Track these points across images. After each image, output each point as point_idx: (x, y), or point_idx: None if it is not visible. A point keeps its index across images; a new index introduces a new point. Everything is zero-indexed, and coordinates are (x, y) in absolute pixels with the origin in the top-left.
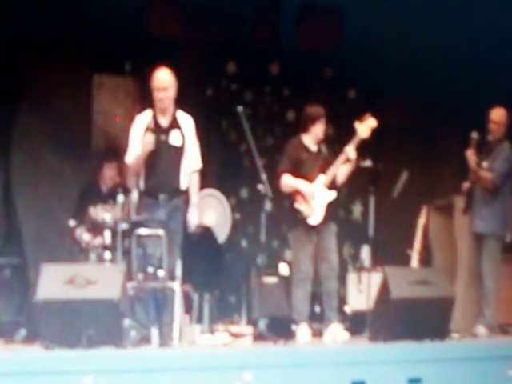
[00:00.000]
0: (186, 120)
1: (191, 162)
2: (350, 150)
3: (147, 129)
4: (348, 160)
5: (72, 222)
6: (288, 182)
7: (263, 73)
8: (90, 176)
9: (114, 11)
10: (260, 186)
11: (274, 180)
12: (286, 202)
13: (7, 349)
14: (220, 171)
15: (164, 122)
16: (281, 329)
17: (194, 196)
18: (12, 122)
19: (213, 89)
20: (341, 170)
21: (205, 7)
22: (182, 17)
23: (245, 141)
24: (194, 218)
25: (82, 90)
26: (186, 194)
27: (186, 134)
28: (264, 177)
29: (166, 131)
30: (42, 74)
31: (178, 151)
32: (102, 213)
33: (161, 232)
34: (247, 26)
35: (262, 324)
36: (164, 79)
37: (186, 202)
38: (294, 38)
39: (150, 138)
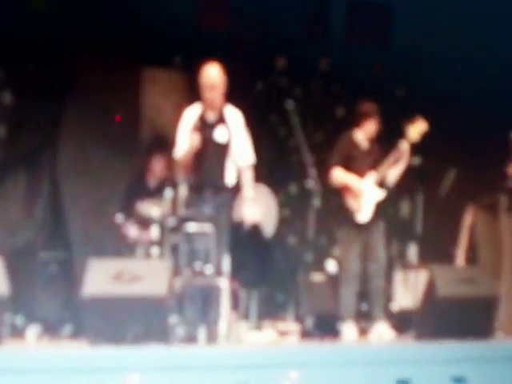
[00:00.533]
0: (233, 115)
1: (241, 157)
2: (403, 146)
3: (194, 124)
4: (399, 159)
5: (119, 217)
6: (339, 176)
7: (313, 68)
8: (138, 170)
9: (165, 4)
10: (309, 182)
11: (322, 176)
12: (335, 198)
13: (53, 345)
14: (269, 167)
15: (211, 117)
16: (327, 326)
17: (249, 191)
18: (61, 116)
19: (262, 83)
20: (392, 170)
21: (255, 1)
22: (232, 10)
23: (294, 136)
24: (249, 213)
25: (132, 83)
26: (232, 189)
27: (233, 129)
28: (313, 173)
29: (212, 127)
30: (91, 68)
31: (223, 147)
32: (149, 208)
33: (208, 228)
34: (297, 21)
35: (309, 321)
36: (213, 77)
37: (233, 198)
38: (344, 32)
39: (197, 134)
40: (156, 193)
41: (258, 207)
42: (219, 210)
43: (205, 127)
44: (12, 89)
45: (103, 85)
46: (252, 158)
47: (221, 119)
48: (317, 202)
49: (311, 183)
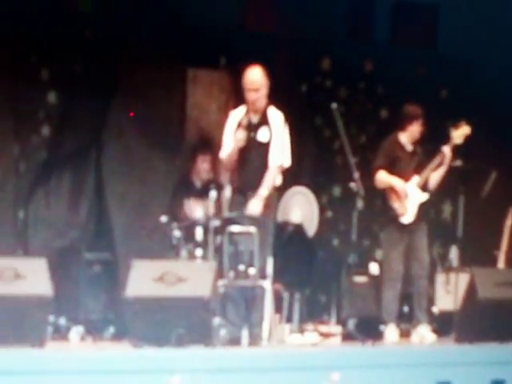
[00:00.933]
0: (275, 116)
1: (276, 157)
2: (447, 151)
3: (239, 125)
4: (442, 163)
5: (164, 218)
6: (383, 178)
7: (357, 69)
8: (182, 171)
9: (210, 5)
10: (352, 184)
11: (366, 178)
12: (378, 200)
13: (96, 346)
14: (313, 168)
15: (255, 118)
16: (369, 329)
17: (264, 189)
18: (106, 116)
19: (307, 85)
20: (434, 174)
21: (300, 2)
22: (277, 12)
23: (338, 138)
24: (253, 208)
25: (177, 83)
26: (275, 190)
27: (274, 129)
28: (356, 175)
29: (256, 128)
30: (136, 68)
31: (265, 147)
32: (194, 209)
33: (253, 229)
34: (341, 22)
35: (351, 324)
36: (255, 80)
37: (277, 200)
38: (388, 34)
39: (241, 135)
40: (201, 194)
41: (297, 209)
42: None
43: (249, 128)
44: (57, 89)
45: (148, 85)
46: (286, 160)
47: (264, 120)
48: (360, 203)
49: (355, 185)
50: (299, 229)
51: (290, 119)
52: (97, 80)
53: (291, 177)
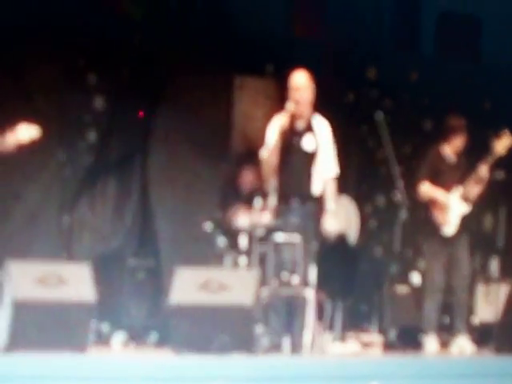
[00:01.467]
0: (322, 125)
1: (326, 169)
2: (484, 170)
3: (282, 129)
4: (480, 179)
5: (208, 225)
6: (426, 190)
7: (403, 80)
8: (228, 178)
9: (258, 12)
10: (396, 195)
11: (409, 188)
12: (421, 211)
13: (138, 352)
14: (357, 178)
15: (299, 125)
16: (410, 338)
17: (331, 203)
18: (152, 123)
19: (353, 94)
20: (474, 188)
21: (347, 12)
22: (324, 20)
23: (382, 148)
24: (330, 226)
25: (223, 91)
26: (318, 200)
27: (321, 139)
28: (400, 185)
29: (300, 134)
30: (183, 75)
31: (310, 156)
32: (238, 217)
33: (297, 238)
34: (389, 33)
35: (392, 333)
36: (301, 81)
37: (319, 209)
38: (433, 45)
39: (284, 139)
40: (246, 202)
41: (338, 219)
42: (305, 219)
43: (293, 134)
44: (104, 94)
45: (195, 92)
46: (336, 170)
47: (309, 128)
48: (403, 214)
49: (398, 195)
50: (343, 238)
51: (336, 128)
52: (144, 86)
53: (337, 186)
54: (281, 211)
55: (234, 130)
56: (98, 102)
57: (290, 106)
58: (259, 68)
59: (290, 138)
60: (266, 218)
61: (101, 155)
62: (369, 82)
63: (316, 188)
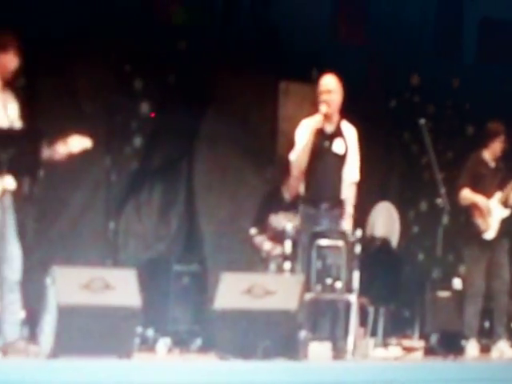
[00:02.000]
0: (349, 130)
1: (351, 173)
2: None
3: (312, 132)
4: None
5: (253, 230)
6: (467, 196)
7: (445, 86)
8: (273, 184)
9: (303, 18)
10: (438, 200)
11: (452, 194)
12: (462, 216)
13: (182, 358)
14: (400, 184)
15: (329, 128)
16: (451, 343)
17: (351, 206)
18: (198, 128)
19: (396, 100)
20: None
21: (391, 19)
22: (368, 26)
23: (425, 154)
24: (346, 227)
25: (269, 96)
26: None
27: (349, 143)
28: (443, 191)
29: (330, 138)
30: (229, 80)
31: (340, 159)
32: (283, 221)
33: (340, 243)
34: (431, 40)
35: (434, 338)
36: (330, 82)
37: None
38: (475, 51)
39: (314, 142)
40: (291, 207)
41: (380, 225)
42: (334, 224)
43: (322, 137)
44: (150, 99)
45: (241, 97)
46: (358, 175)
47: (338, 132)
48: (445, 219)
49: (440, 201)
50: (386, 243)
51: (379, 134)
52: (189, 92)
53: (379, 191)
54: (307, 215)
55: (279, 135)
56: (144, 108)
57: (323, 108)
58: (304, 73)
59: (321, 141)
60: (285, 222)
61: (147, 161)
62: (412, 89)
63: (344, 192)
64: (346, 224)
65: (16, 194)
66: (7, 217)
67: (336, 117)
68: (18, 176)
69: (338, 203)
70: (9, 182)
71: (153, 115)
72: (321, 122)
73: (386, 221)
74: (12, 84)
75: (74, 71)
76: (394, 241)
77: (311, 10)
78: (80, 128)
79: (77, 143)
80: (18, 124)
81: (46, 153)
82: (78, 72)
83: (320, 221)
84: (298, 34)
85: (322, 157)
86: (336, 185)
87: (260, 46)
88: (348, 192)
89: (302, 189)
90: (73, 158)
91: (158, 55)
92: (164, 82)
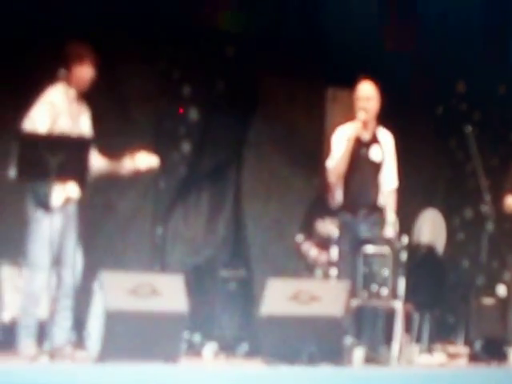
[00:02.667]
0: (386, 137)
1: (389, 180)
2: None
3: (348, 139)
4: None
5: (299, 237)
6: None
7: (491, 93)
8: (320, 190)
9: (350, 25)
10: (483, 207)
11: (497, 201)
12: (507, 223)
13: (229, 363)
14: (445, 190)
15: (365, 136)
16: (495, 350)
17: (391, 214)
18: (246, 134)
19: (442, 107)
20: None
21: (437, 26)
22: (417, 32)
23: (471, 161)
24: (388, 234)
25: (316, 103)
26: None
27: (386, 150)
28: (488, 197)
29: (367, 145)
30: (276, 86)
31: (377, 167)
32: (329, 228)
33: (386, 250)
34: (477, 46)
35: (478, 345)
36: (367, 89)
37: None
38: None
39: (350, 149)
40: (336, 213)
41: (426, 231)
42: (372, 231)
43: (359, 144)
44: (198, 105)
45: (288, 103)
46: (396, 182)
47: (375, 139)
48: (490, 226)
49: (485, 208)
50: (431, 250)
51: (426, 140)
52: (237, 98)
53: (425, 198)
54: (345, 222)
55: (326, 142)
56: (193, 114)
57: (361, 115)
58: (352, 80)
59: (358, 149)
60: (331, 229)
61: (194, 167)
62: (458, 96)
63: (381, 199)
64: (387, 231)
65: (79, 202)
66: (70, 224)
67: (373, 124)
68: (67, 182)
69: (376, 210)
70: (72, 190)
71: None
72: (359, 129)
73: (432, 228)
74: (86, 95)
75: (121, 77)
76: (440, 248)
77: (360, 17)
78: (129, 134)
79: (144, 160)
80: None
81: (111, 166)
82: (127, 78)
83: (358, 228)
84: (346, 41)
85: (359, 164)
86: (373, 192)
87: (308, 52)
88: (387, 199)
89: (339, 196)
90: (138, 175)
91: (207, 61)
92: (212, 89)
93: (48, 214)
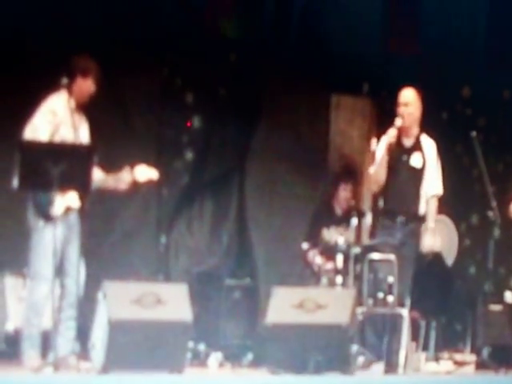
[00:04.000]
0: (428, 143)
1: (431, 187)
2: None
3: (390, 146)
4: None
5: (305, 245)
6: None
7: (496, 98)
8: (324, 198)
9: (353, 31)
10: (490, 213)
11: (503, 207)
12: None
13: (234, 373)
14: (451, 196)
15: (407, 142)
16: (503, 357)
17: (431, 221)
18: (250, 142)
19: (447, 113)
20: None
21: (441, 31)
22: (419, 38)
23: (477, 166)
24: (429, 244)
25: (320, 110)
26: (422, 219)
27: (428, 157)
28: (494, 203)
29: (409, 152)
30: (279, 94)
31: (418, 173)
32: (335, 236)
33: (393, 257)
34: (481, 51)
35: (485, 352)
36: (408, 95)
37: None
38: None
39: (392, 156)
40: (342, 221)
41: (437, 238)
42: (408, 238)
43: (400, 151)
44: (201, 113)
45: (292, 111)
46: (440, 189)
47: (417, 146)
48: (497, 232)
49: (492, 213)
50: (438, 257)
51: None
52: (241, 105)
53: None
54: (383, 228)
55: (331, 148)
56: (196, 122)
57: (398, 121)
58: (356, 87)
59: (399, 155)
60: (361, 237)
61: (198, 175)
62: (463, 101)
63: (422, 207)
64: (428, 239)
65: (79, 211)
66: (72, 233)
67: (415, 130)
68: (69, 191)
69: (415, 217)
70: (72, 199)
71: (189, 125)
72: (395, 135)
73: (445, 237)
74: (85, 107)
75: (123, 85)
76: (452, 257)
77: (362, 24)
78: (132, 142)
79: (143, 173)
80: None
81: (109, 180)
82: (129, 86)
83: (395, 234)
84: (349, 48)
85: (400, 170)
86: (413, 199)
87: (311, 59)
88: (428, 206)
89: (381, 201)
90: (137, 188)
91: (209, 68)
92: (215, 96)
93: (49, 223)
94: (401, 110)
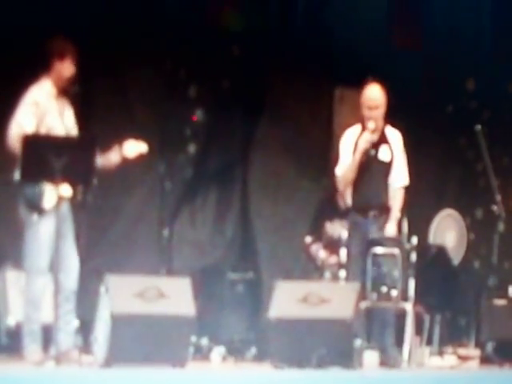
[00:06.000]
0: (394, 136)
1: (398, 178)
2: None
3: (356, 143)
4: None
5: (308, 238)
6: None
7: (501, 91)
8: (328, 191)
9: (358, 24)
10: (494, 207)
11: (508, 201)
12: None
13: (237, 367)
14: (456, 190)
15: (373, 137)
16: (507, 352)
17: (396, 212)
18: (253, 134)
19: (452, 106)
20: None
21: (446, 24)
22: (424, 31)
23: (481, 160)
24: (391, 232)
25: (323, 103)
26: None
27: (395, 149)
28: (498, 197)
29: (375, 146)
30: (283, 86)
31: (386, 167)
32: (339, 229)
33: (396, 251)
34: (487, 44)
35: (490, 347)
36: (376, 98)
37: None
38: None
39: (360, 153)
40: (345, 215)
41: (447, 233)
42: (382, 230)
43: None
44: (204, 106)
45: (295, 103)
46: (407, 180)
47: (383, 139)
48: (501, 226)
49: (496, 208)
50: (442, 251)
51: (435, 139)
52: (244, 98)
53: (435, 198)
54: (355, 223)
55: (334, 142)
56: (199, 115)
57: (371, 125)
58: (359, 80)
59: (366, 150)
60: (340, 230)
61: (201, 168)
62: (468, 94)
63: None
64: (391, 228)
65: (71, 202)
66: (64, 226)
67: (380, 125)
68: (72, 184)
69: (386, 210)
70: (65, 190)
71: (194, 119)
72: (370, 140)
73: (456, 234)
74: (67, 91)
75: (126, 78)
76: (461, 252)
77: (367, 16)
78: (133, 135)
79: (132, 148)
80: (74, 132)
81: (100, 161)
82: (132, 79)
83: (369, 228)
84: (353, 41)
85: (369, 166)
86: (383, 192)
87: (314, 51)
88: (395, 197)
89: (349, 197)
90: (127, 164)
91: (212, 61)
92: (218, 88)
93: (42, 216)
94: (372, 113)
